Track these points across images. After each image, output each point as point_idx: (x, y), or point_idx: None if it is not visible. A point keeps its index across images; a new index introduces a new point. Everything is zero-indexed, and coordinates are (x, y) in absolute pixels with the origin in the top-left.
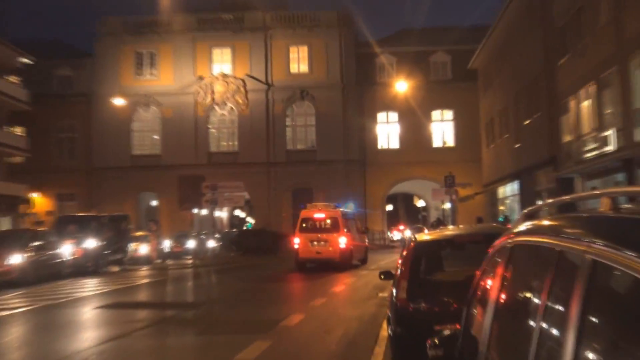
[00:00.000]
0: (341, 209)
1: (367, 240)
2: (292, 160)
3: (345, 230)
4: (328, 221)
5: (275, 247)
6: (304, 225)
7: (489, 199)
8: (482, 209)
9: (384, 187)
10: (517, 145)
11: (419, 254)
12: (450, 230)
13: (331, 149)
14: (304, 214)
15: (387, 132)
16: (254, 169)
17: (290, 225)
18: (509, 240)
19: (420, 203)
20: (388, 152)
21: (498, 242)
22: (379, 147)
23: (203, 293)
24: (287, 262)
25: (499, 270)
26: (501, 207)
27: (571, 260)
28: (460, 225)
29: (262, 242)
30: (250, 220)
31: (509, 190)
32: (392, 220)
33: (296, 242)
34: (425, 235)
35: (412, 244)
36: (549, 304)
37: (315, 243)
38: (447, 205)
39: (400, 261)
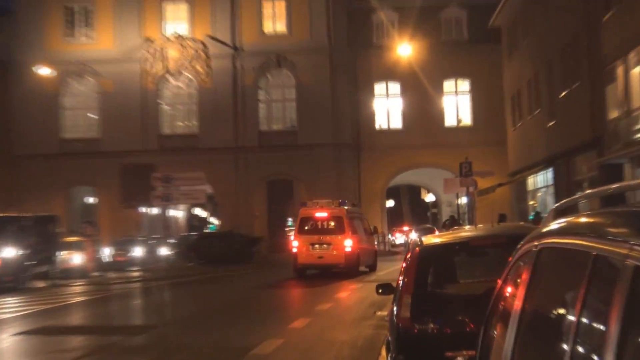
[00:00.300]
0: (346, 207)
1: (376, 243)
2: (266, 145)
3: (351, 231)
4: (331, 221)
5: (246, 254)
6: (303, 226)
7: (516, 192)
8: (507, 204)
9: (384, 177)
10: (550, 124)
11: (426, 261)
12: (466, 231)
13: (316, 131)
14: (303, 212)
15: (387, 108)
16: (219, 156)
17: (266, 227)
18: (536, 243)
19: (429, 197)
20: (388, 133)
21: (522, 245)
22: (377, 127)
23: (154, 314)
24: (263, 272)
25: (523, 280)
26: (531, 202)
27: (609, 266)
28: (480, 225)
29: (230, 248)
30: (214, 221)
31: (541, 180)
32: (394, 219)
33: (295, 245)
34: (435, 238)
35: (417, 248)
36: (583, 320)
37: (316, 246)
38: (463, 200)
39: (402, 271)
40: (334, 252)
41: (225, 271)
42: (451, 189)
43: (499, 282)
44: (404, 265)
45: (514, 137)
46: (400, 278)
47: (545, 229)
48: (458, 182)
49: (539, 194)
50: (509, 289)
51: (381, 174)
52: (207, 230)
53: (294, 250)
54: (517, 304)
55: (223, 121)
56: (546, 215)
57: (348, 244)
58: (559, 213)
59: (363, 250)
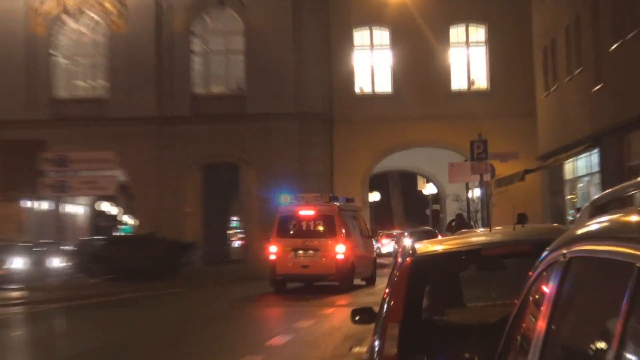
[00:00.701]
0: (339, 203)
1: (375, 250)
2: (203, 115)
3: (345, 234)
4: (319, 221)
5: (173, 266)
6: (283, 227)
7: (549, 182)
8: (536, 198)
9: (366, 161)
10: (597, 88)
11: (420, 277)
12: (478, 235)
13: (272, 96)
14: (283, 210)
15: (372, 64)
16: (135, 129)
17: (200, 228)
18: (564, 251)
19: (428, 189)
20: (373, 100)
21: (547, 255)
22: (358, 91)
23: (41, 353)
24: (197, 293)
25: (548, 300)
26: (570, 196)
27: None
28: (497, 228)
29: (150, 258)
30: (129, 220)
31: (582, 165)
32: (381, 219)
33: (272, 251)
34: (433, 245)
35: (408, 259)
36: (627, 355)
37: (300, 253)
38: (475, 194)
39: (387, 290)
40: (323, 260)
41: (143, 290)
42: (459, 177)
43: (517, 303)
44: (391, 282)
45: (546, 107)
46: (385, 300)
47: (577, 232)
48: (468, 167)
49: (580, 185)
50: (530, 314)
51: (362, 156)
52: (118, 234)
53: (272, 257)
54: (540, 331)
55: (142, 81)
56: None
57: (340, 250)
58: (597, 210)
59: (359, 259)
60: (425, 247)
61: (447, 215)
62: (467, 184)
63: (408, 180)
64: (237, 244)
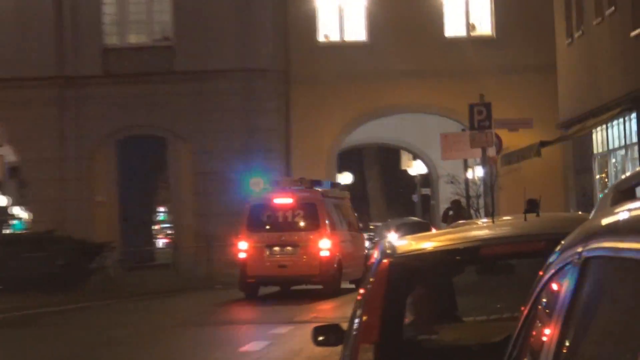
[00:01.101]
0: (322, 189)
1: (367, 244)
2: (117, 73)
3: (330, 226)
4: (299, 211)
5: (80, 273)
6: (255, 219)
7: (573, 157)
8: (557, 178)
9: (334, 131)
10: (635, 33)
11: (401, 284)
12: (478, 228)
13: (209, 48)
14: (254, 198)
15: (340, 4)
16: (28, 93)
17: (116, 223)
18: (579, 249)
19: (415, 168)
20: (342, 51)
21: (560, 253)
22: (322, 39)
23: None
24: (110, 308)
25: (560, 308)
26: (600, 175)
27: None
28: (504, 218)
29: (49, 263)
30: (21, 213)
31: (616, 135)
32: (354, 206)
33: (242, 248)
34: (419, 242)
35: (385, 261)
36: None
37: (276, 250)
38: (477, 173)
39: (359, 303)
40: (304, 259)
41: (39, 306)
42: (454, 152)
43: (524, 311)
44: (363, 292)
45: (569, 59)
46: (356, 315)
47: (596, 225)
48: (467, 140)
49: (614, 160)
50: (537, 322)
51: (329, 125)
52: (6, 231)
53: (241, 256)
54: (550, 345)
55: (36, 31)
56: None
57: (325, 245)
58: (622, 195)
59: (347, 257)
60: (408, 244)
61: (440, 203)
62: (465, 162)
63: (389, 157)
64: (163, 243)
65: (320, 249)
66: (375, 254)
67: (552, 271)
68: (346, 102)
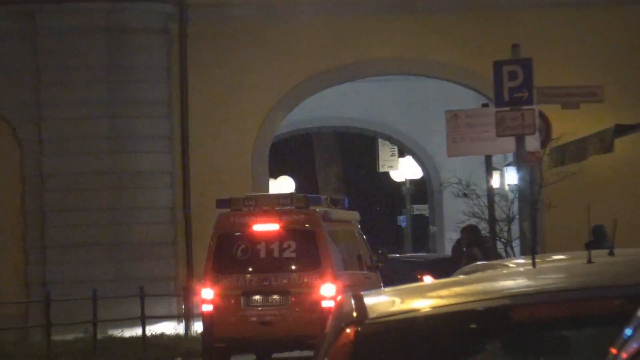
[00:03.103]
0: (321, 209)
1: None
2: None
3: (335, 264)
4: (290, 242)
5: None
6: (226, 253)
7: None
8: None
9: (261, 107)
10: None
11: None
12: (511, 275)
13: None
14: (224, 221)
15: None
16: None
17: None
18: None
19: (402, 170)
20: None
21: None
22: None
23: None
24: None
25: None
26: None
27: None
28: (556, 257)
29: None
30: None
31: None
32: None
33: (206, 298)
34: (407, 299)
35: (348, 331)
36: None
37: (257, 300)
38: (508, 180)
39: None
40: (297, 313)
41: None
42: (470, 143)
43: None
44: None
45: None
46: None
47: None
48: (491, 121)
49: None
50: None
51: (252, 97)
52: None
53: (206, 309)
54: None
55: None
56: None
57: (328, 292)
58: None
59: None
60: (387, 302)
61: (446, 229)
62: (487, 160)
63: (358, 151)
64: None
65: (321, 298)
66: (332, 319)
67: (634, 348)
68: (283, 55)
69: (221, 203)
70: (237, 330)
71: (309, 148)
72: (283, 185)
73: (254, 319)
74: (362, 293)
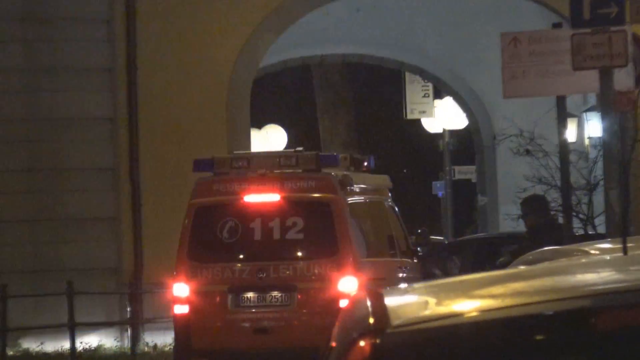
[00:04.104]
0: (339, 173)
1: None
2: None
3: (358, 248)
4: (296, 220)
5: None
6: (206, 236)
7: None
8: None
9: (242, 27)
10: None
11: None
12: (592, 264)
13: None
14: (205, 190)
15: None
16: None
17: None
18: None
19: (439, 117)
20: None
21: None
22: None
23: None
24: None
25: None
26: None
27: None
28: None
29: None
30: None
31: None
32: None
33: (179, 296)
34: (445, 299)
35: (363, 344)
36: None
37: (249, 298)
38: (589, 132)
39: None
40: (304, 316)
41: None
42: (534, 80)
43: None
44: None
45: None
46: None
47: None
48: (564, 49)
49: None
50: None
51: (230, 11)
52: None
53: (179, 311)
54: None
55: None
56: None
57: (348, 288)
58: None
59: None
60: (415, 302)
61: (501, 199)
62: (559, 103)
63: (377, 90)
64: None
65: (339, 296)
66: (340, 327)
67: None
68: None
69: (200, 164)
70: (222, 340)
71: (307, 86)
72: (271, 138)
73: (245, 325)
74: (381, 291)
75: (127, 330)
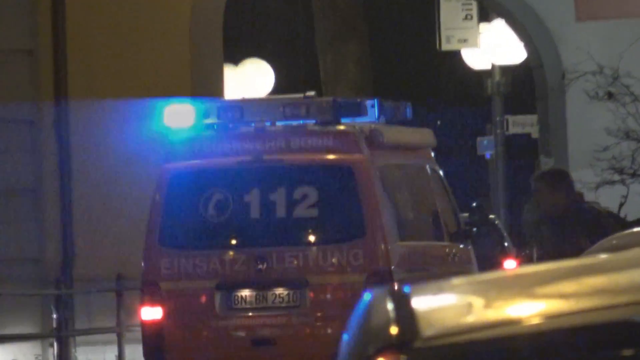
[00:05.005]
0: (365, 126)
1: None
2: None
3: (392, 230)
4: (310, 191)
5: None
6: (185, 211)
7: None
8: None
9: None
10: None
11: None
12: None
13: None
14: (180, 152)
15: None
16: None
17: None
18: None
19: (487, 50)
20: None
21: None
22: None
23: None
24: None
25: None
26: None
27: None
28: None
29: None
30: None
31: None
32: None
33: (149, 296)
34: (495, 302)
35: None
36: None
37: (245, 297)
38: None
39: None
40: (319, 320)
41: None
42: (612, 5)
43: None
44: None
45: None
46: None
47: None
48: None
49: None
50: None
51: None
52: None
53: (148, 316)
54: None
55: None
56: None
57: (379, 282)
58: None
59: None
60: (454, 305)
61: (572, 165)
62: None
63: (398, 11)
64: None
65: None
66: (352, 337)
67: None
68: None
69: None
70: (208, 356)
71: (303, 10)
72: (251, 75)
73: (240, 334)
74: (407, 288)
75: (52, 343)
